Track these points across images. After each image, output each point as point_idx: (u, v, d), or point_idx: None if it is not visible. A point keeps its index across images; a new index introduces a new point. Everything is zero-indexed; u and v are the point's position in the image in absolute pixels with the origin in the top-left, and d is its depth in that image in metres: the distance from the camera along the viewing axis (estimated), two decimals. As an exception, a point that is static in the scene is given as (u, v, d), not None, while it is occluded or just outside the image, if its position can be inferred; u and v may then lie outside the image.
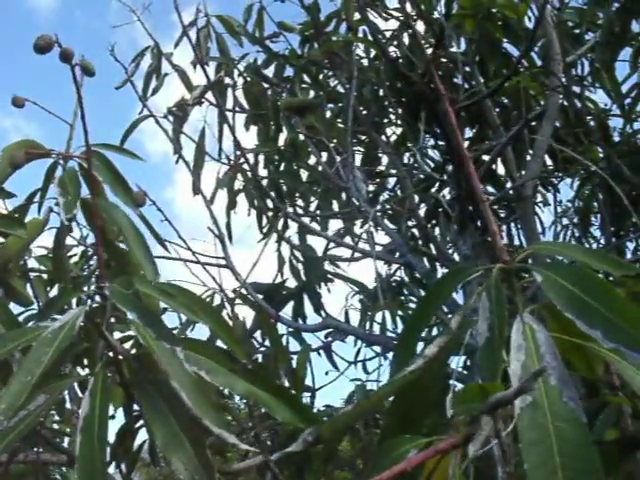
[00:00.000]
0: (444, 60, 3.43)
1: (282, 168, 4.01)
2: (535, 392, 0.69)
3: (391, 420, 0.87)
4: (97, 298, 1.19)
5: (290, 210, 3.80)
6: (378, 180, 4.12)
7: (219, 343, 1.34)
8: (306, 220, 3.85)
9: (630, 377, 0.75)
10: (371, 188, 4.01)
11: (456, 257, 3.47)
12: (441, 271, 3.57)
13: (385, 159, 4.01)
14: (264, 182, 3.86)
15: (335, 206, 3.99)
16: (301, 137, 3.75)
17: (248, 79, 4.00)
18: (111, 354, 1.14)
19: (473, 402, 0.69)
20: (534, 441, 0.68)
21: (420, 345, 0.95)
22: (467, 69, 3.36)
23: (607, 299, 0.76)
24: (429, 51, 3.23)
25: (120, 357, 1.14)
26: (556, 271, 0.80)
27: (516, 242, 3.58)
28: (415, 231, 3.80)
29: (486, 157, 3.26)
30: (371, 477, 0.66)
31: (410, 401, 0.86)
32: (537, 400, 0.70)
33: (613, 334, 0.74)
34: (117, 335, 1.76)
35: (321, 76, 3.95)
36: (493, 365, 0.76)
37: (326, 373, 3.68)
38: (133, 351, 1.21)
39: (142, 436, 1.68)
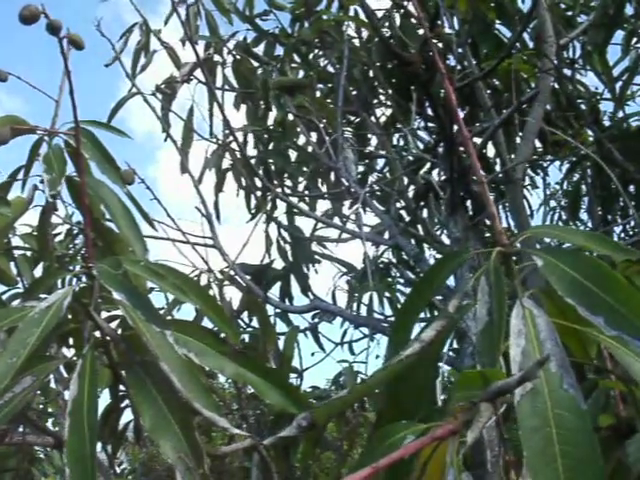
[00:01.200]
0: (436, 41, 3.40)
1: (271, 148, 3.97)
2: (535, 379, 0.68)
3: (386, 405, 0.86)
4: (84, 278, 1.16)
5: (279, 190, 3.77)
6: (367, 161, 4.10)
7: (205, 323, 1.32)
8: (294, 200, 3.82)
9: (629, 364, 0.74)
10: (360, 169, 3.99)
11: (444, 239, 3.47)
12: (429, 253, 3.56)
13: (374, 140, 3.99)
14: (253, 161, 3.82)
15: (324, 186, 3.96)
16: (290, 117, 3.71)
17: (238, 57, 3.95)
18: (99, 335, 1.11)
19: (473, 388, 0.68)
20: (534, 428, 0.67)
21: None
22: (459, 50, 3.33)
23: (610, 286, 0.74)
24: (421, 31, 3.20)
25: (108, 338, 1.12)
26: (558, 256, 0.78)
27: (503, 225, 3.57)
28: (404, 213, 3.78)
29: (477, 139, 3.25)
30: (367, 464, 0.64)
31: (405, 385, 0.84)
32: (537, 387, 0.69)
33: (616, 321, 0.72)
34: (103, 315, 1.73)
35: (311, 55, 3.91)
36: (492, 350, 0.75)
37: (312, 354, 3.68)
38: (119, 331, 1.18)
39: (127, 416, 1.66)
